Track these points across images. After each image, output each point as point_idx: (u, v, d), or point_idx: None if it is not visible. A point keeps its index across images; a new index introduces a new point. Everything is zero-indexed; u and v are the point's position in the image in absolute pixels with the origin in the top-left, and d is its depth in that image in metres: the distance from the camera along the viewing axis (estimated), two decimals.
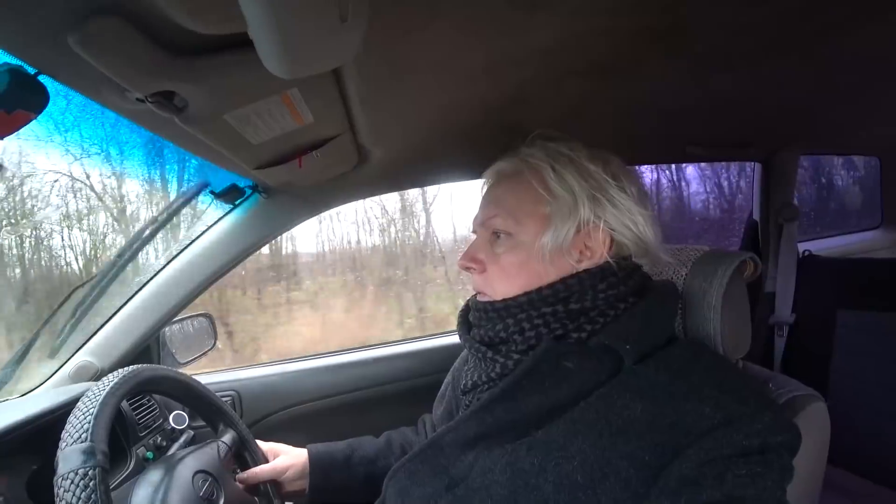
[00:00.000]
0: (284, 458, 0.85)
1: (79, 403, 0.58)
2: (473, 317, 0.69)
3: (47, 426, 0.76)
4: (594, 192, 0.62)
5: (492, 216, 0.66)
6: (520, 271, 0.63)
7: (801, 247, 1.61)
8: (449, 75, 0.64)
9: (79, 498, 0.50)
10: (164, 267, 1.04)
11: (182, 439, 0.99)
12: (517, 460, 0.57)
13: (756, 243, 1.64)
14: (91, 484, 0.51)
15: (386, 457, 0.87)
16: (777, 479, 0.48)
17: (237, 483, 0.78)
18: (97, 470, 0.52)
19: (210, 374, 1.27)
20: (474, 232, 0.71)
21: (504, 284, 0.64)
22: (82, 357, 1.02)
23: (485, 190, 0.71)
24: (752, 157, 1.53)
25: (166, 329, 1.13)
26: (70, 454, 0.52)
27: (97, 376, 1.01)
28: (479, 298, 0.68)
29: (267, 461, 0.86)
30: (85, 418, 0.56)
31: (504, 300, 0.64)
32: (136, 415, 0.96)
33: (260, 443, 0.87)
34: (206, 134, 0.55)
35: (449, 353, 1.08)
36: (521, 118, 0.76)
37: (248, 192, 0.98)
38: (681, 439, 0.49)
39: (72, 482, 0.50)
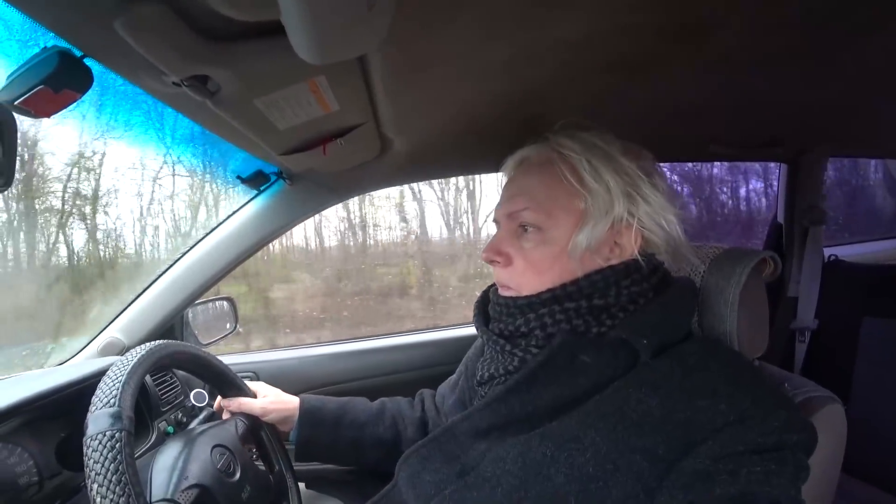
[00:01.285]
0: (271, 401, 0.85)
1: (108, 371, 0.61)
2: (493, 310, 0.68)
3: (76, 395, 0.79)
4: (629, 188, 0.60)
5: (521, 208, 0.63)
6: (550, 267, 0.61)
7: (827, 252, 1.57)
8: (470, 68, 0.64)
9: (105, 458, 0.52)
10: (190, 249, 1.08)
11: (202, 416, 1.02)
12: (529, 450, 0.57)
13: (779, 246, 1.60)
14: (117, 445, 0.53)
15: (375, 425, 0.87)
16: (792, 477, 0.47)
17: (254, 461, 0.80)
18: (123, 433, 0.54)
19: (230, 356, 1.31)
20: (496, 221, 0.69)
21: (531, 280, 0.62)
22: (111, 333, 1.07)
23: (508, 178, 0.69)
24: (779, 158, 1.50)
25: (190, 310, 1.17)
26: (99, 417, 0.55)
27: (124, 352, 1.05)
28: (503, 293, 0.66)
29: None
30: (114, 385, 0.58)
31: (528, 297, 0.62)
32: (159, 390, 1.00)
33: (249, 383, 0.88)
34: (235, 118, 0.57)
35: (462, 344, 1.09)
36: (541, 113, 0.76)
37: (273, 178, 1.01)
38: (695, 435, 0.49)
39: (100, 442, 0.53)
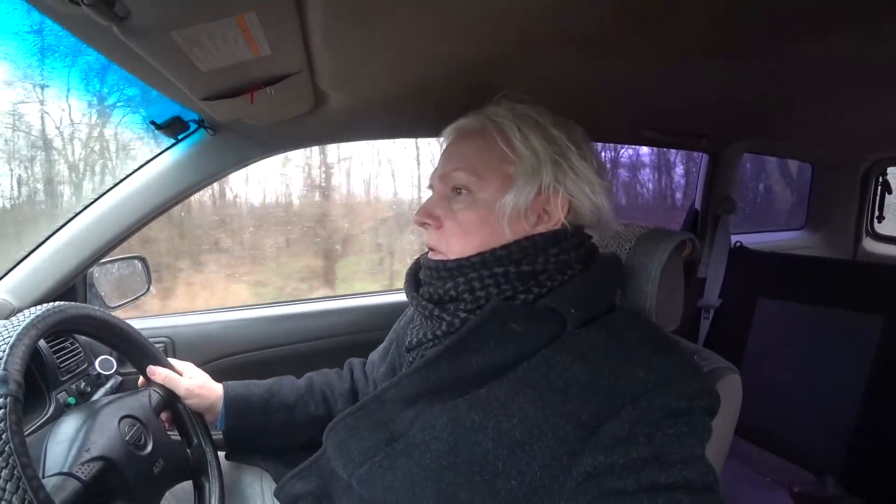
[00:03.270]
0: (200, 386, 0.81)
1: None
2: (424, 275, 0.69)
3: None
4: (557, 156, 0.63)
5: (454, 169, 0.65)
6: (478, 230, 0.63)
7: (734, 238, 1.73)
8: (423, 27, 0.61)
9: None
10: (95, 201, 0.96)
11: (108, 385, 0.94)
12: (459, 417, 0.58)
13: (694, 230, 1.74)
14: (0, 412, 0.47)
15: (305, 403, 0.86)
16: (699, 437, 0.52)
17: (168, 432, 0.75)
18: (9, 399, 0.48)
19: (142, 320, 1.21)
20: (430, 187, 0.70)
21: (460, 242, 0.64)
22: None
23: (445, 146, 0.70)
24: (704, 149, 1.61)
25: (94, 269, 1.05)
26: None
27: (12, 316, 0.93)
28: (432, 256, 0.67)
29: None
30: None
31: (457, 259, 0.64)
32: (58, 358, 0.90)
33: (174, 362, 0.83)
34: (149, 52, 0.50)
35: (392, 310, 1.09)
36: (491, 80, 0.75)
37: (194, 126, 0.91)
38: (616, 400, 0.52)
39: None
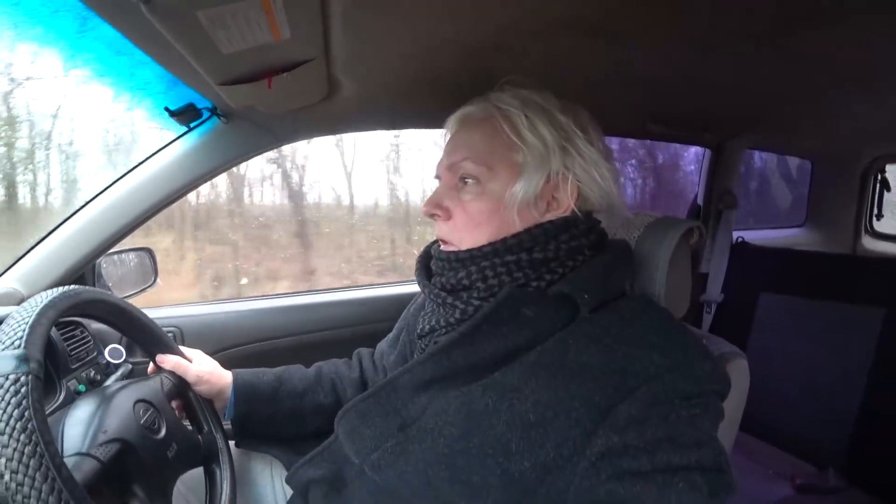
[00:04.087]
0: (209, 373, 0.81)
1: (13, 313, 0.54)
2: (436, 265, 0.69)
3: None
4: (564, 142, 0.62)
5: (462, 158, 0.64)
6: (488, 220, 0.63)
7: (735, 234, 1.74)
8: (435, 6, 0.61)
9: (9, 403, 0.46)
10: (105, 189, 0.96)
11: (118, 373, 0.94)
12: (471, 401, 0.58)
13: None
14: (23, 390, 0.47)
15: (314, 392, 0.86)
16: (712, 420, 0.53)
17: (180, 417, 0.75)
18: (30, 377, 0.48)
19: (151, 310, 1.21)
20: (437, 178, 0.70)
21: (471, 234, 0.64)
22: (7, 283, 0.94)
23: (450, 135, 0.70)
24: (706, 143, 1.62)
25: (102, 260, 1.06)
26: (1, 359, 0.48)
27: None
28: (443, 248, 0.67)
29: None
30: (19, 326, 0.51)
31: (469, 250, 0.64)
32: (68, 345, 0.90)
33: (184, 349, 0.83)
34: (173, 32, 0.50)
35: (399, 301, 1.09)
36: (498, 66, 0.76)
37: (207, 114, 0.91)
38: (630, 382, 0.52)
39: (1, 387, 0.46)
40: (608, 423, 0.51)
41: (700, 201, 1.75)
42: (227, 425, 0.82)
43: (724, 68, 0.91)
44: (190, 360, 0.81)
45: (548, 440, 0.53)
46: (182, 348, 0.83)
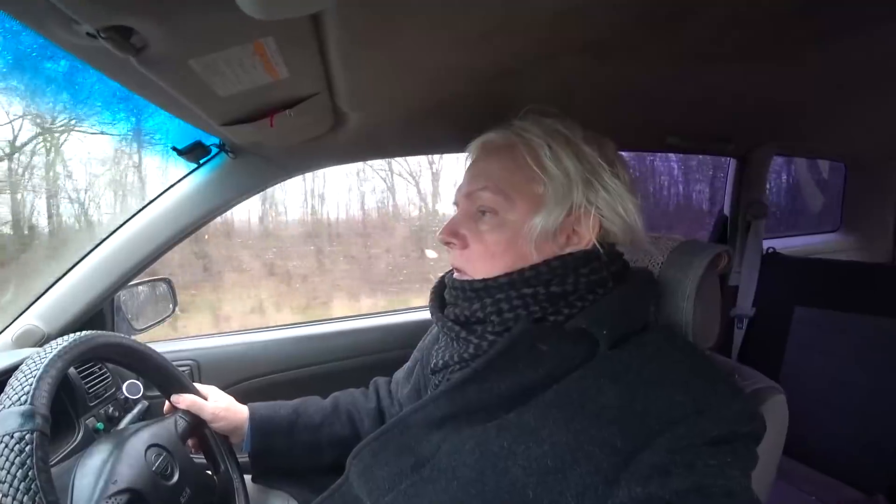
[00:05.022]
0: (225, 409, 0.80)
1: (21, 365, 0.54)
2: (449, 294, 0.67)
3: None
4: (589, 175, 0.60)
5: (480, 188, 0.62)
6: (504, 252, 0.61)
7: (766, 244, 1.67)
8: (438, 38, 0.60)
9: (12, 463, 0.46)
10: (120, 226, 0.97)
11: (136, 410, 0.94)
12: (486, 442, 0.56)
13: (724, 237, 1.68)
14: (27, 448, 0.47)
15: (331, 423, 0.84)
16: (743, 467, 0.49)
17: (194, 458, 0.75)
18: (35, 434, 0.48)
19: (168, 343, 1.22)
20: (456, 204, 0.68)
21: (486, 264, 0.62)
22: (28, 320, 0.95)
23: (470, 162, 0.68)
24: (730, 153, 1.56)
25: (121, 293, 1.07)
26: (7, 416, 0.49)
27: (43, 342, 0.95)
28: (457, 276, 0.65)
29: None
30: (26, 380, 0.52)
31: (483, 280, 0.61)
32: (86, 383, 0.92)
33: (199, 386, 0.82)
34: (167, 81, 0.50)
35: (417, 328, 1.07)
36: (508, 91, 0.74)
37: (214, 150, 0.92)
38: (653, 426, 0.49)
39: (6, 446, 0.47)
40: (630, 472, 0.48)
41: (727, 211, 1.68)
42: (244, 458, 0.81)
43: (743, 78, 0.88)
44: (205, 398, 0.81)
45: (567, 488, 0.50)
46: (197, 385, 0.82)
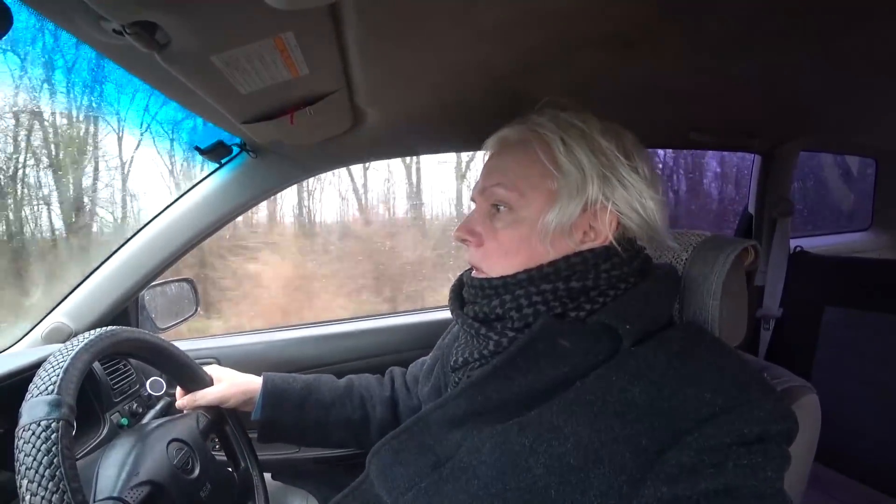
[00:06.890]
0: (228, 386, 0.81)
1: (49, 357, 0.56)
2: (468, 293, 0.66)
3: (16, 387, 0.72)
4: (604, 170, 0.58)
5: (494, 184, 0.61)
6: (519, 249, 0.60)
7: (793, 243, 1.62)
8: (457, 33, 0.59)
9: (38, 450, 0.47)
10: (145, 226, 1.00)
11: (159, 406, 0.96)
12: (507, 440, 0.55)
13: (749, 236, 1.64)
14: (53, 437, 0.48)
15: (342, 405, 0.84)
16: (776, 468, 0.47)
17: (215, 455, 0.75)
18: (61, 423, 0.49)
19: (190, 341, 1.24)
20: (473, 200, 0.67)
21: (502, 262, 0.61)
22: (56, 318, 0.99)
23: (486, 158, 0.67)
24: (755, 149, 1.52)
25: (145, 292, 1.09)
26: (34, 405, 0.50)
27: (71, 339, 0.98)
28: (475, 275, 0.65)
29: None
30: (54, 371, 0.53)
31: (502, 277, 0.61)
32: (112, 380, 0.94)
33: (209, 368, 0.83)
34: (189, 77, 0.51)
35: (438, 328, 1.07)
36: (528, 87, 0.73)
37: (236, 150, 0.94)
38: (680, 424, 0.48)
39: (32, 433, 0.48)
40: (657, 472, 0.47)
41: (752, 209, 1.64)
42: (265, 457, 0.82)
43: (770, 71, 0.85)
44: (212, 382, 0.81)
45: (591, 487, 0.49)
46: (208, 368, 0.83)
